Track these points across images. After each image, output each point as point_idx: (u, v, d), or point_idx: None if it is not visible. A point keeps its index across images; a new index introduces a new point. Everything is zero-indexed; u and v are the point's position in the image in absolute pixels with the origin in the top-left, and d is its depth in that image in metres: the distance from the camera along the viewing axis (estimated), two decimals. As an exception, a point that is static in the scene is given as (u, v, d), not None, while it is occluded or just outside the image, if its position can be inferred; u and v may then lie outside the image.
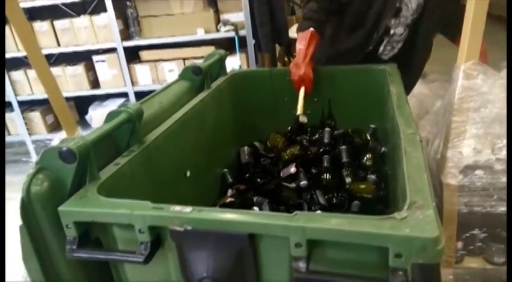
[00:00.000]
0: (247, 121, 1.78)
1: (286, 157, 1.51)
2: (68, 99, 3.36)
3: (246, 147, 1.66)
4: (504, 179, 1.25)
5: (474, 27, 1.19)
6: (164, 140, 1.16)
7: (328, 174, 1.40)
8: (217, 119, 1.55)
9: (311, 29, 1.54)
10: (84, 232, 0.84)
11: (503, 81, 1.48)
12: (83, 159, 0.86)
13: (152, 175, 1.10)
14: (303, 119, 1.54)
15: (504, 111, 1.26)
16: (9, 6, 1.15)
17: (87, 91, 3.25)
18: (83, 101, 3.40)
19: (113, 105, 3.34)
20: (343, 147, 1.49)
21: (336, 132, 1.62)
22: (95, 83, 3.27)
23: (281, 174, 1.45)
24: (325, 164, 1.44)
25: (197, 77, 1.50)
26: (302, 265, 0.70)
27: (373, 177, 1.40)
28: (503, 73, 1.75)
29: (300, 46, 1.55)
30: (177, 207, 0.77)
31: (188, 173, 1.30)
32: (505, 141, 1.26)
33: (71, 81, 3.18)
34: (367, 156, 1.50)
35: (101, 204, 0.81)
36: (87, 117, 3.35)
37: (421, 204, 0.70)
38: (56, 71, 3.15)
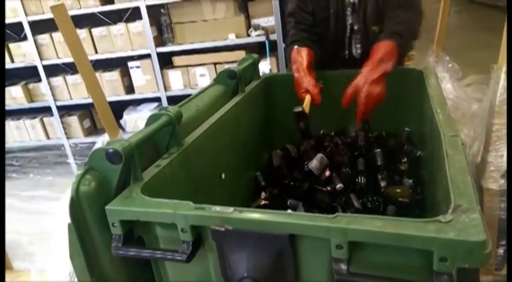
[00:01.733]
0: (280, 124, 1.79)
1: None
2: (103, 104, 3.52)
3: (278, 150, 1.67)
4: (549, 184, 1.20)
5: (516, 28, 1.16)
6: (201, 142, 1.19)
7: (362, 178, 1.39)
8: (251, 122, 1.57)
9: (295, 47, 1.58)
10: (128, 231, 0.88)
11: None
12: (128, 160, 0.89)
13: (190, 177, 1.12)
14: (297, 108, 1.43)
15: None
16: (58, 14, 1.22)
17: (122, 96, 3.36)
18: (117, 105, 3.50)
19: (146, 109, 3.43)
20: (378, 150, 1.47)
21: (370, 135, 1.60)
22: (129, 88, 3.38)
23: (306, 166, 1.43)
24: (360, 167, 1.43)
25: (232, 81, 1.53)
26: (343, 267, 0.70)
27: (409, 181, 1.38)
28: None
29: (293, 67, 1.56)
30: (218, 208, 0.79)
31: (223, 175, 1.32)
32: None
33: (107, 86, 3.30)
34: (403, 160, 1.48)
35: (146, 204, 0.84)
36: (121, 121, 3.46)
37: (466, 208, 0.69)
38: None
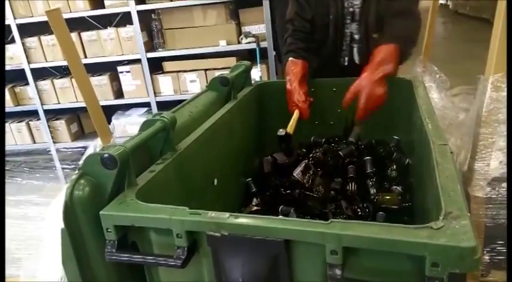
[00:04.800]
0: (271, 131, 1.79)
1: (308, 162, 1.52)
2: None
3: (269, 157, 1.68)
4: (533, 192, 1.24)
5: (502, 41, 1.20)
6: (195, 148, 1.19)
7: (353, 185, 1.41)
8: (243, 128, 1.59)
9: (290, 58, 1.61)
10: (122, 236, 0.87)
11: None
12: (123, 165, 0.89)
13: (183, 183, 1.13)
14: (280, 132, 1.48)
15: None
16: (53, 18, 1.22)
17: (111, 101, 3.34)
18: (106, 110, 3.46)
19: (135, 114, 3.42)
20: (368, 158, 1.50)
21: (359, 142, 1.63)
22: (118, 93, 3.36)
23: (293, 174, 1.45)
24: (351, 174, 1.45)
25: (224, 88, 1.54)
26: (338, 272, 0.71)
27: (398, 188, 1.40)
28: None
29: (287, 78, 1.60)
30: (214, 213, 0.79)
31: (215, 182, 1.33)
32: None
33: (96, 90, 3.25)
34: (392, 167, 1.51)
35: (141, 209, 0.84)
36: (110, 126, 3.42)
37: (457, 215, 0.71)
38: (81, 80, 3.25)
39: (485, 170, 1.25)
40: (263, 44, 2.94)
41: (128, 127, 3.36)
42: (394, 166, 1.50)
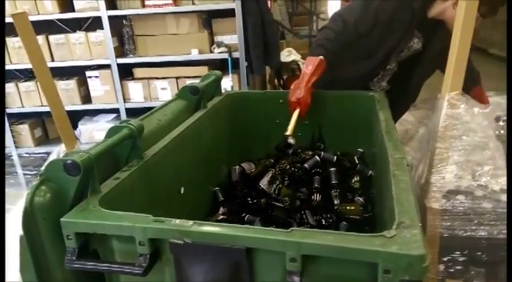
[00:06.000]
0: (241, 140, 1.83)
1: (275, 172, 1.55)
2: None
3: (237, 166, 1.70)
4: (484, 205, 1.31)
5: (458, 60, 1.28)
6: (162, 156, 1.20)
7: (318, 195, 1.45)
8: (212, 137, 1.60)
9: (321, 56, 1.56)
10: (83, 244, 0.86)
11: (485, 110, 1.58)
12: (87, 172, 0.88)
13: (149, 190, 1.13)
14: (291, 141, 1.57)
15: (485, 140, 1.34)
16: (19, 22, 1.20)
17: (78, 106, 3.26)
18: (72, 115, 3.38)
19: (103, 120, 3.35)
20: (332, 169, 1.54)
21: (323, 153, 1.67)
22: (86, 98, 3.29)
23: (260, 184, 1.48)
24: (316, 185, 1.49)
25: (194, 97, 1.55)
26: (296, 279, 0.74)
27: (360, 199, 1.45)
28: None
29: (306, 70, 1.55)
30: (178, 221, 0.80)
31: (182, 190, 1.33)
32: (485, 168, 1.33)
33: (63, 95, 3.18)
34: (355, 178, 1.56)
35: (104, 217, 0.83)
36: (76, 131, 3.35)
37: (409, 224, 0.75)
38: (47, 84, 3.17)
39: (440, 182, 1.31)
40: (235, 54, 2.98)
41: (95, 133, 3.29)
42: (358, 177, 1.56)
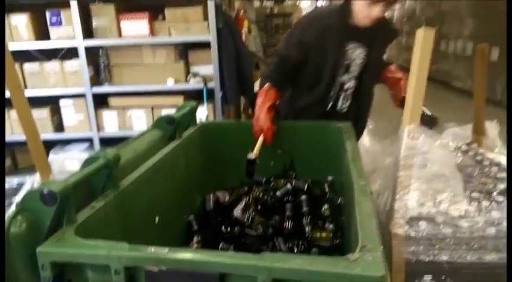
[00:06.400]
0: (215, 169, 1.87)
1: (249, 201, 1.60)
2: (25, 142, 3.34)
3: (211, 195, 1.74)
4: (444, 230, 1.39)
5: (415, 95, 1.38)
6: (137, 186, 1.22)
7: (289, 223, 1.50)
8: (187, 167, 1.63)
9: (267, 85, 1.77)
10: (58, 274, 0.87)
11: (443, 141, 1.69)
12: (63, 202, 0.91)
13: (124, 220, 1.14)
14: (250, 156, 1.61)
15: (442, 169, 1.44)
16: None
17: (50, 134, 3.22)
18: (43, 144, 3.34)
19: (75, 150, 3.31)
20: (303, 197, 1.60)
21: (295, 181, 1.73)
22: (59, 127, 3.26)
23: (234, 213, 1.53)
24: (287, 213, 1.54)
25: (170, 127, 1.60)
26: (267, 303, 0.77)
27: (331, 226, 1.51)
28: (445, 133, 1.99)
29: (258, 101, 1.76)
30: (153, 248, 0.83)
31: (157, 219, 1.35)
32: (444, 195, 1.43)
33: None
34: (325, 206, 1.62)
35: (79, 245, 0.85)
36: (47, 160, 3.29)
37: (371, 248, 0.81)
38: (19, 112, 3.14)
39: (404, 209, 1.39)
40: (210, 85, 3.05)
41: (67, 162, 3.24)
42: (328, 205, 1.62)
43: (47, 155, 3.26)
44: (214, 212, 1.66)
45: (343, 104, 1.90)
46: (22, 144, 3.29)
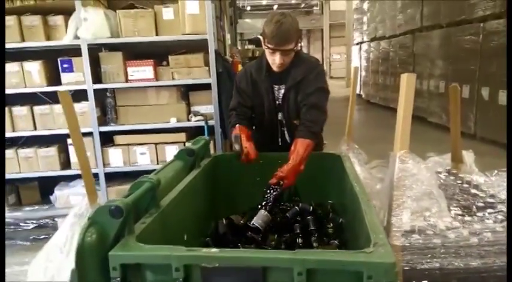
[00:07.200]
0: (226, 196, 2.07)
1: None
2: (32, 179, 3.46)
3: (224, 220, 1.92)
4: (434, 241, 1.62)
5: (404, 126, 1.65)
6: (172, 207, 1.42)
7: (300, 239, 1.69)
8: (205, 194, 1.83)
9: (238, 125, 2.01)
10: (124, 276, 1.05)
11: (428, 165, 1.96)
12: (127, 215, 1.09)
13: (165, 234, 1.33)
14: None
15: (430, 188, 1.68)
16: (62, 96, 1.46)
17: (57, 172, 3.36)
18: (49, 181, 3.47)
19: (79, 185, 3.44)
20: (310, 217, 1.81)
21: (301, 204, 1.93)
22: (65, 164, 3.41)
23: (252, 223, 1.70)
24: (297, 231, 1.74)
25: (190, 158, 1.81)
26: (303, 289, 0.97)
27: (335, 242, 1.71)
28: (428, 160, 2.26)
29: (233, 133, 1.99)
30: (205, 249, 1.03)
31: (185, 237, 1.53)
32: (432, 211, 1.66)
33: (42, 162, 3.31)
34: (329, 225, 1.83)
35: (144, 249, 1.04)
36: (52, 197, 3.40)
37: (381, 244, 1.03)
38: (27, 152, 3.30)
39: (399, 223, 1.61)
40: (211, 122, 3.30)
41: (71, 198, 3.36)
42: (331, 224, 1.82)
43: (52, 191, 3.40)
44: (228, 234, 1.84)
45: (292, 139, 2.03)
46: (27, 181, 3.44)
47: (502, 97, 5.26)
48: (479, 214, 1.76)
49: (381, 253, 0.98)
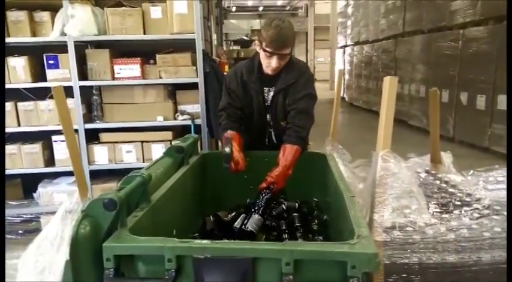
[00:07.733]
0: (213, 193, 2.10)
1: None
2: (15, 176, 3.42)
3: (211, 216, 1.96)
4: (414, 236, 1.69)
5: (386, 126, 1.72)
6: (162, 203, 1.45)
7: (286, 235, 1.74)
8: (193, 189, 1.87)
9: (229, 131, 1.99)
10: (118, 266, 1.08)
11: (408, 164, 2.04)
12: (120, 208, 1.12)
13: (155, 228, 1.36)
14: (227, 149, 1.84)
15: (410, 186, 1.76)
16: (56, 91, 1.48)
17: (40, 169, 3.33)
18: (32, 178, 3.43)
19: (64, 182, 3.42)
20: (296, 214, 1.86)
21: (287, 202, 1.99)
22: (49, 161, 3.38)
23: (234, 225, 1.74)
24: (283, 227, 1.79)
25: (179, 155, 1.84)
26: (291, 277, 1.02)
27: (320, 238, 1.77)
28: (409, 161, 2.35)
29: (224, 141, 1.97)
30: (197, 241, 1.07)
31: (174, 232, 1.56)
32: (412, 208, 1.73)
33: (26, 159, 3.28)
34: (314, 222, 1.89)
35: (137, 241, 1.07)
36: (35, 194, 3.37)
37: (364, 236, 1.08)
38: (11, 149, 3.26)
39: (381, 220, 1.68)
40: (197, 121, 3.32)
41: (55, 195, 3.34)
42: (316, 221, 1.88)
43: (35, 189, 3.37)
44: (216, 229, 1.88)
45: (278, 140, 2.13)
46: (10, 177, 3.40)
47: (480, 102, 5.45)
48: (456, 212, 1.85)
49: (364, 244, 1.04)
